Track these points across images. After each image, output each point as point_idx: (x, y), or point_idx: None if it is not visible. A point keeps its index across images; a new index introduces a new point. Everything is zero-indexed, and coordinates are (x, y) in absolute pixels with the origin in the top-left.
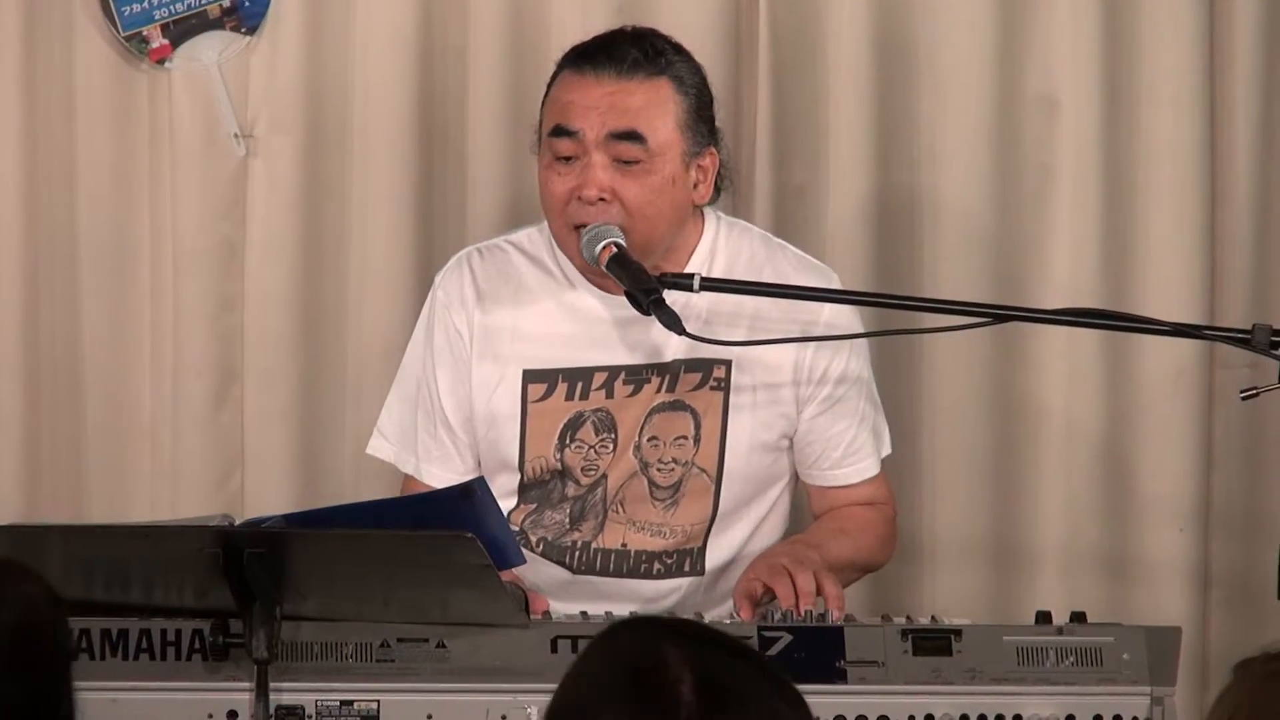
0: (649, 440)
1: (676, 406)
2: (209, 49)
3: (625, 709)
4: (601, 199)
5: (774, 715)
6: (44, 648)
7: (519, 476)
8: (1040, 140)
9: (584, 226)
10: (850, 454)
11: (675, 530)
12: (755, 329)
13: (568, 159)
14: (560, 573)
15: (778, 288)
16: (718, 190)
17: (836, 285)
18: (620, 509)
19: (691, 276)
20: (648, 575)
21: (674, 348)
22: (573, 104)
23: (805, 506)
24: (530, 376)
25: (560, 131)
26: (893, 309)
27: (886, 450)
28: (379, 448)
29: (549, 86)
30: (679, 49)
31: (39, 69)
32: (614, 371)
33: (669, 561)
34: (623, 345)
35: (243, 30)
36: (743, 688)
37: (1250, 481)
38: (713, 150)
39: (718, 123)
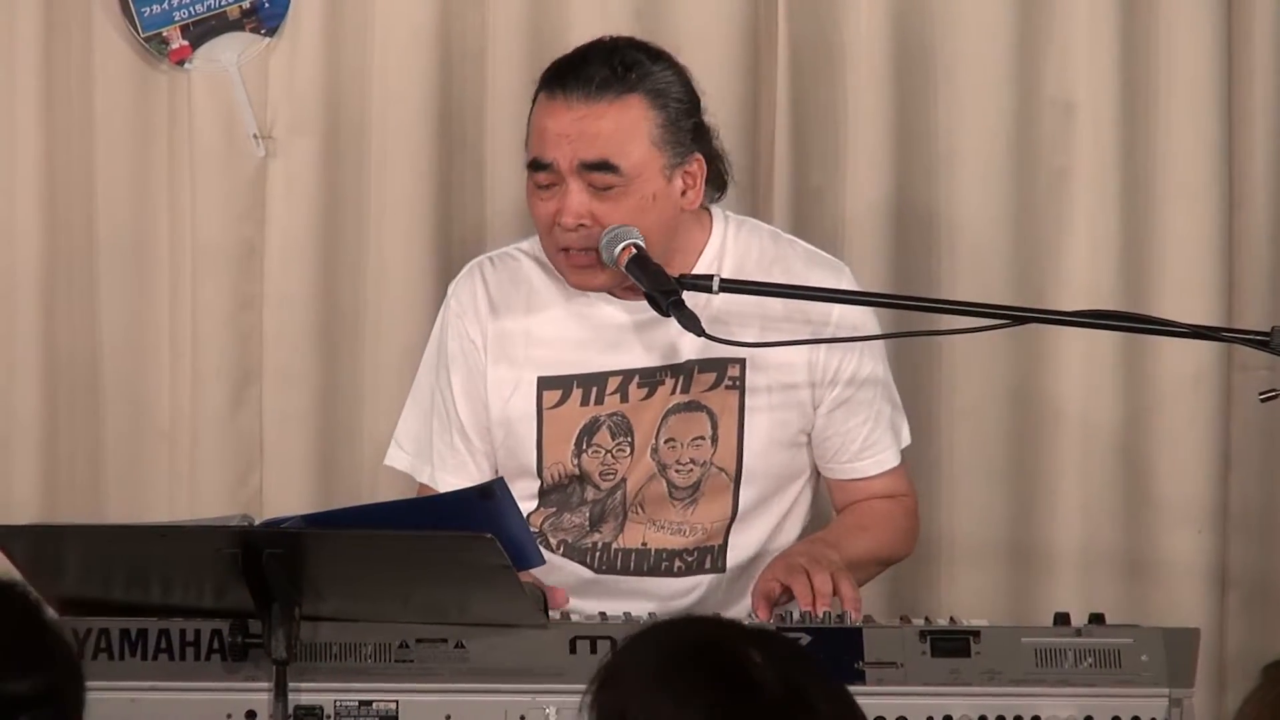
0: (666, 442)
1: (692, 407)
2: (228, 50)
3: (711, 696)
4: (581, 224)
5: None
6: (50, 643)
7: (539, 482)
8: (1057, 143)
9: (569, 250)
10: (868, 446)
11: (696, 528)
12: (768, 328)
13: (548, 186)
14: (582, 571)
15: (797, 289)
16: (722, 185)
17: (848, 278)
18: (640, 510)
19: (710, 278)
20: (668, 573)
21: (687, 348)
22: (545, 132)
23: (828, 501)
24: (545, 383)
25: (536, 165)
26: (911, 310)
27: (906, 441)
28: (396, 458)
29: (531, 104)
30: (657, 56)
31: (58, 70)
32: (628, 375)
33: (689, 559)
34: (636, 348)
35: (262, 32)
36: (823, 692)
37: (1268, 483)
38: (698, 155)
39: (708, 118)
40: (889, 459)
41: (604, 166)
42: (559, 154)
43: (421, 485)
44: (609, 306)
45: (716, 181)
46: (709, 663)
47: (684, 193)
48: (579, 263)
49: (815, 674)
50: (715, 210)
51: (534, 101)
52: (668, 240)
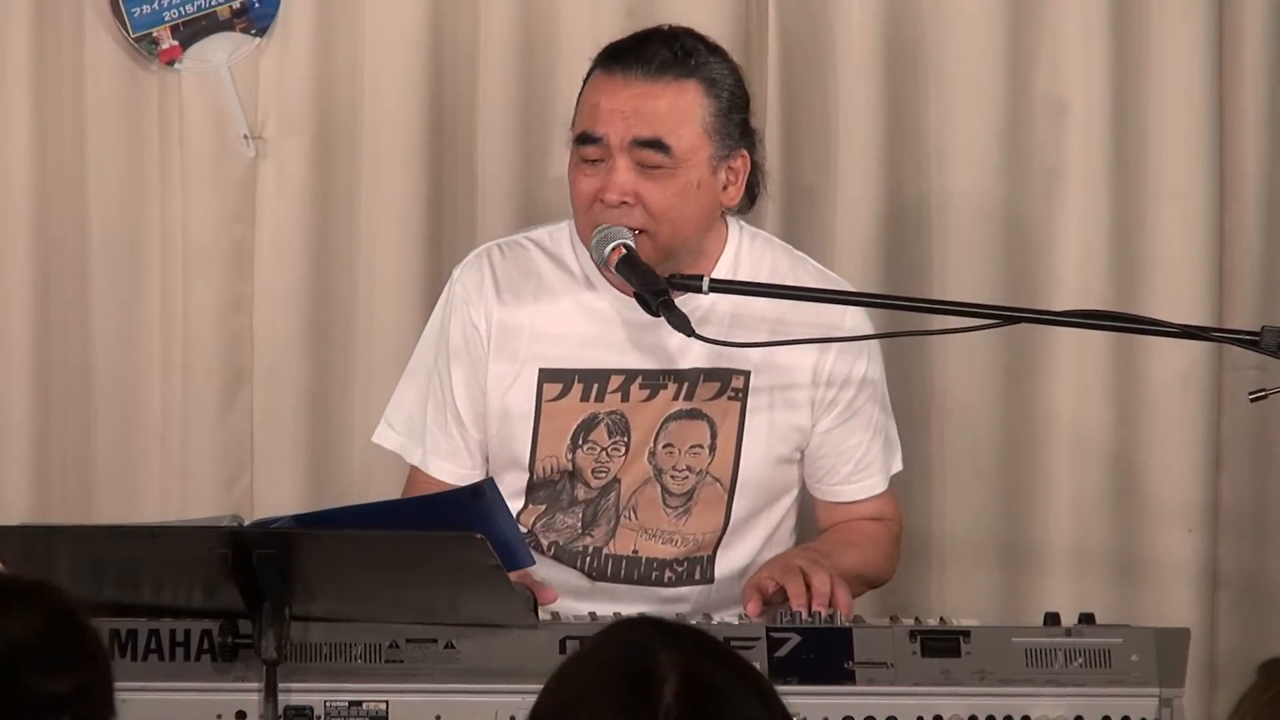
0: (664, 447)
1: (694, 415)
2: (219, 50)
3: (610, 703)
4: (624, 202)
5: None
6: (84, 640)
7: (529, 475)
8: (1049, 142)
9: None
10: (859, 470)
11: (686, 538)
12: (778, 334)
13: (594, 161)
14: (578, 580)
15: (785, 289)
16: (752, 196)
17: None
18: (633, 515)
19: (700, 278)
20: (658, 583)
21: (693, 355)
22: (598, 107)
23: (810, 518)
24: (546, 375)
25: (586, 138)
26: (902, 310)
27: (897, 468)
28: (385, 437)
29: (583, 83)
30: (714, 49)
31: (49, 70)
32: (631, 375)
33: (679, 569)
34: (641, 349)
35: (253, 32)
36: (727, 693)
37: (1259, 483)
38: (743, 152)
39: (753, 124)
40: (878, 484)
41: (656, 145)
42: (611, 129)
43: (412, 468)
44: (617, 304)
45: (748, 192)
46: (624, 686)
47: (725, 188)
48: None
49: (736, 699)
50: (730, 220)
51: (586, 78)
52: (702, 234)
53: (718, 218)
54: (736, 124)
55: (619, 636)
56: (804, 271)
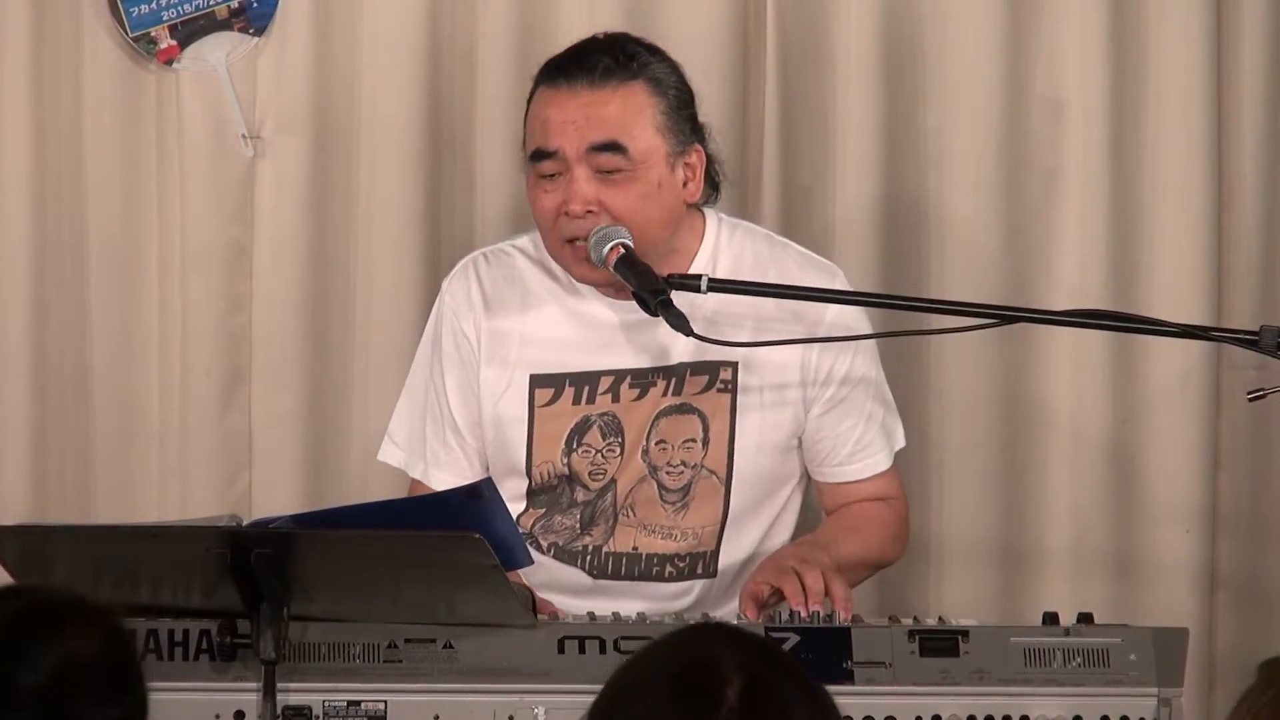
0: (657, 444)
1: (684, 409)
2: (217, 50)
3: (669, 695)
4: (589, 211)
5: None
6: (133, 671)
7: (527, 481)
8: (1047, 142)
9: (576, 240)
10: (859, 449)
11: (686, 533)
12: (761, 329)
13: (552, 176)
14: (580, 579)
15: (786, 289)
16: (715, 187)
17: (841, 281)
18: (631, 513)
19: (699, 277)
20: (660, 578)
21: (680, 350)
22: (549, 120)
23: (815, 505)
24: (537, 381)
25: (540, 154)
26: (900, 310)
27: (900, 444)
28: (389, 454)
29: (528, 102)
30: (653, 49)
31: (47, 70)
32: (620, 375)
33: (681, 564)
34: (628, 349)
35: (251, 31)
36: (786, 699)
37: (1257, 483)
38: (698, 147)
39: (702, 118)
40: (880, 462)
41: (613, 147)
42: (565, 141)
43: (414, 481)
44: (602, 306)
45: (710, 182)
46: (684, 683)
47: (685, 184)
48: (585, 254)
49: (796, 705)
50: (709, 213)
51: (531, 97)
52: (670, 234)
53: (684, 215)
54: (686, 119)
55: (685, 637)
56: (787, 258)
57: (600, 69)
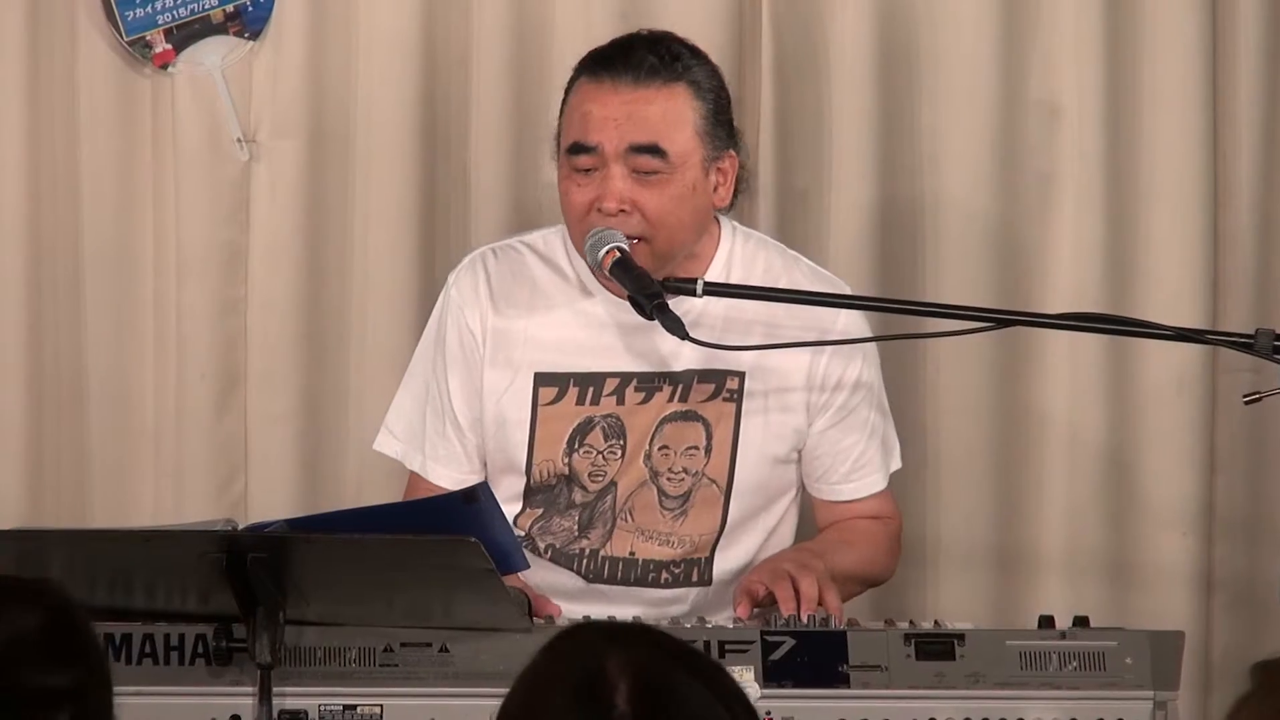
0: (660, 449)
1: (689, 417)
2: (212, 54)
3: (562, 713)
4: (622, 210)
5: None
6: (80, 640)
7: (525, 480)
8: (1043, 145)
9: None
10: (857, 469)
11: (683, 540)
12: (770, 338)
13: (587, 170)
14: (574, 582)
15: (781, 292)
16: (736, 193)
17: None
18: (629, 517)
19: (694, 281)
20: (655, 584)
21: (687, 357)
22: (590, 115)
23: (811, 519)
24: (542, 380)
25: (578, 148)
26: (896, 313)
27: (896, 465)
28: (386, 444)
29: (566, 93)
30: (696, 52)
31: (42, 74)
32: (626, 378)
33: (676, 571)
34: (635, 352)
35: (246, 35)
36: (681, 692)
37: (1253, 486)
38: (732, 153)
39: (736, 124)
40: (876, 483)
41: (652, 150)
42: (604, 137)
43: (412, 473)
44: (611, 308)
45: (735, 188)
46: (576, 697)
47: (716, 189)
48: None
49: (691, 696)
50: (723, 220)
51: (569, 87)
52: (696, 237)
53: (711, 220)
54: (724, 124)
55: (565, 645)
56: (798, 271)
57: (646, 67)
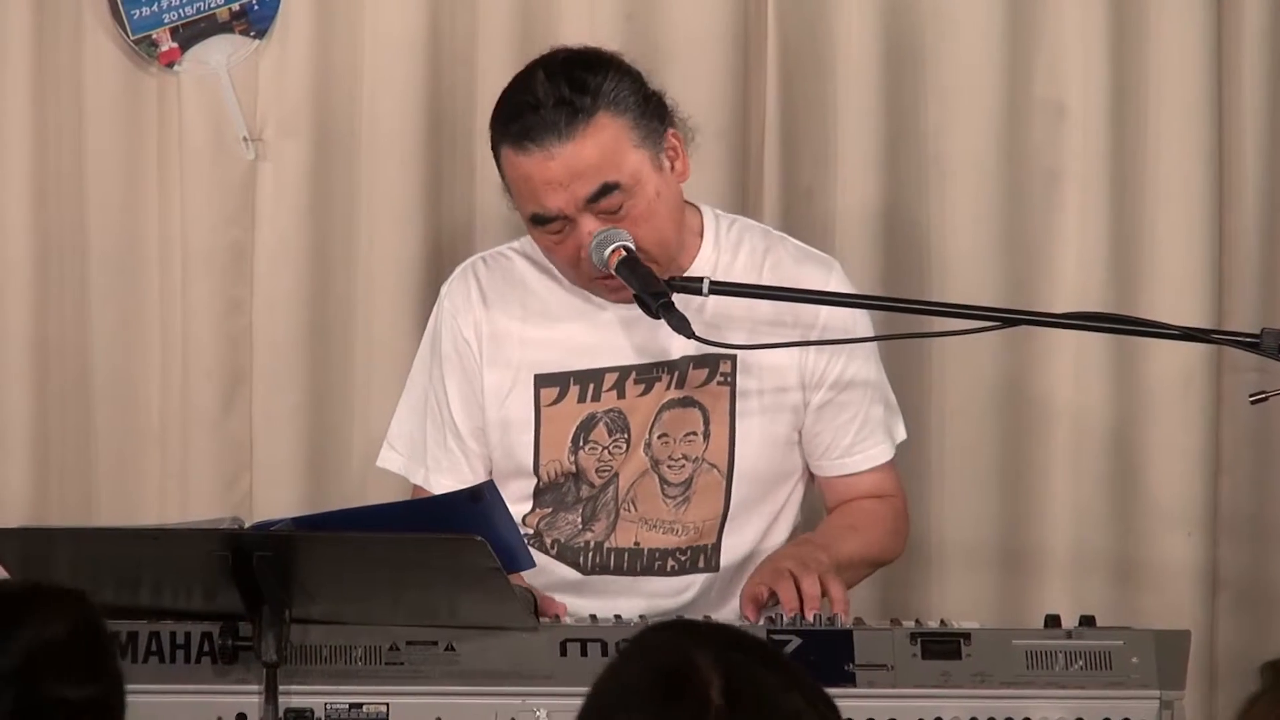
0: (659, 437)
1: (686, 403)
2: (218, 53)
3: (654, 709)
4: None
5: (799, 718)
6: (105, 650)
7: (535, 481)
8: (1048, 144)
9: (606, 276)
10: (859, 441)
11: (688, 527)
12: (757, 329)
13: (558, 231)
14: (571, 573)
15: (789, 291)
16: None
17: (838, 273)
18: (632, 507)
19: (700, 280)
20: (661, 573)
21: (681, 345)
22: (533, 183)
23: (817, 503)
24: (542, 380)
25: (540, 219)
26: (901, 312)
27: (901, 436)
28: (389, 460)
29: (496, 157)
30: (593, 65)
31: (48, 72)
32: (625, 371)
33: (682, 559)
34: (631, 345)
35: (252, 34)
36: (770, 692)
37: (1259, 486)
38: (670, 130)
39: (698, 120)
40: (880, 454)
41: (606, 190)
42: (559, 202)
43: (415, 487)
44: (603, 304)
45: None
46: (666, 691)
47: (673, 168)
48: (618, 284)
49: (779, 696)
50: (705, 209)
51: (496, 152)
52: (680, 228)
53: (683, 205)
54: (653, 113)
55: (652, 643)
56: (781, 250)
57: (563, 120)
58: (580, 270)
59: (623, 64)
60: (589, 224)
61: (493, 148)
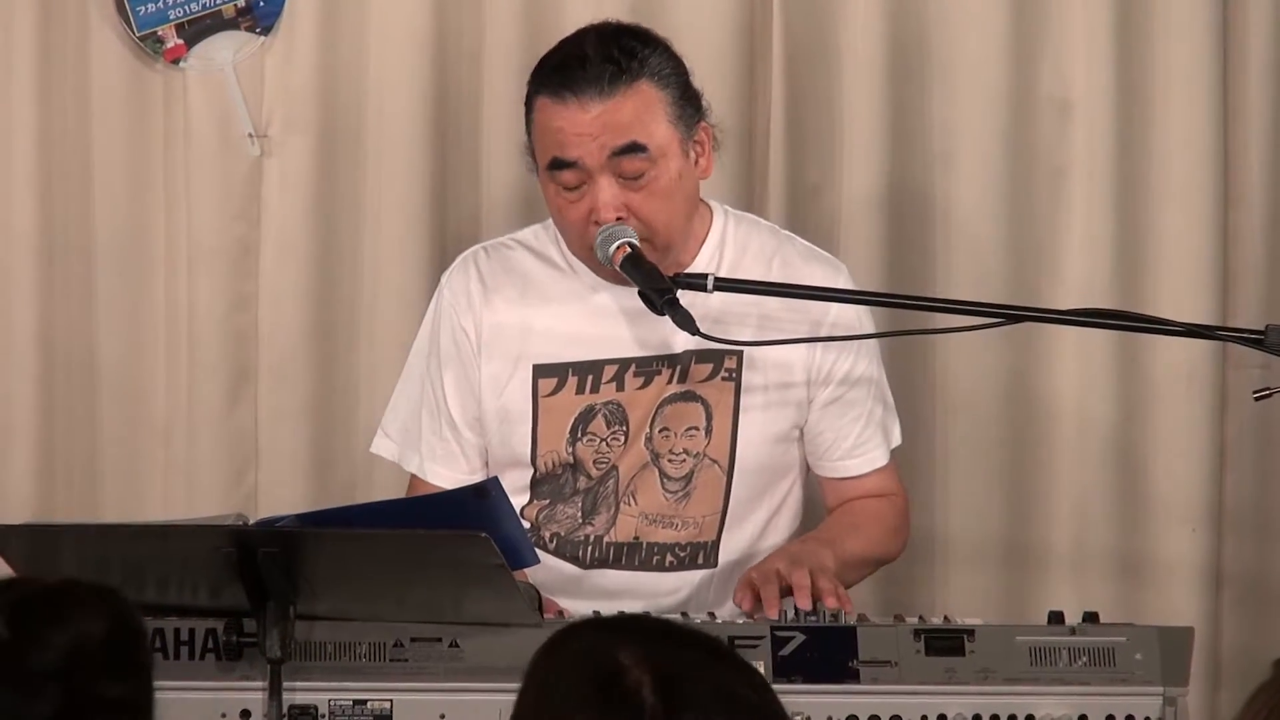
0: (660, 431)
1: (688, 397)
2: (224, 49)
3: (592, 717)
4: (619, 218)
5: (735, 701)
6: (142, 647)
7: (532, 472)
8: (1053, 141)
9: None
10: (860, 444)
11: (687, 522)
12: (764, 326)
13: (574, 186)
14: (570, 568)
15: (792, 288)
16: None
17: (845, 276)
18: (632, 500)
19: (705, 277)
20: (660, 568)
21: (684, 339)
22: (563, 132)
23: (817, 499)
24: (540, 371)
25: (559, 164)
26: (906, 309)
27: (896, 441)
28: (382, 446)
29: (528, 109)
30: (646, 38)
31: (54, 69)
32: (624, 364)
33: (681, 554)
34: (632, 337)
35: (257, 30)
36: (702, 679)
37: (1263, 482)
38: (703, 123)
39: (704, 99)
40: (879, 457)
41: (634, 149)
42: (583, 152)
43: (412, 476)
44: (605, 295)
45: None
46: (600, 696)
47: (696, 162)
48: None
49: (712, 681)
50: (715, 205)
51: (530, 103)
52: (691, 221)
53: (699, 200)
54: (691, 101)
55: (570, 645)
56: (790, 249)
57: (607, 76)
58: (585, 238)
59: (670, 47)
60: (608, 185)
61: (526, 100)
